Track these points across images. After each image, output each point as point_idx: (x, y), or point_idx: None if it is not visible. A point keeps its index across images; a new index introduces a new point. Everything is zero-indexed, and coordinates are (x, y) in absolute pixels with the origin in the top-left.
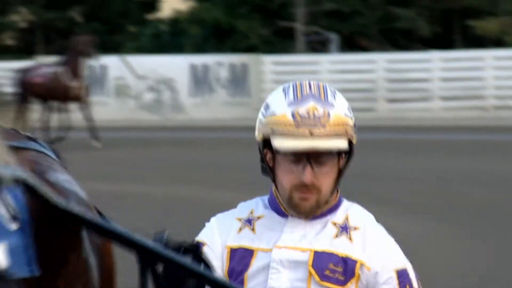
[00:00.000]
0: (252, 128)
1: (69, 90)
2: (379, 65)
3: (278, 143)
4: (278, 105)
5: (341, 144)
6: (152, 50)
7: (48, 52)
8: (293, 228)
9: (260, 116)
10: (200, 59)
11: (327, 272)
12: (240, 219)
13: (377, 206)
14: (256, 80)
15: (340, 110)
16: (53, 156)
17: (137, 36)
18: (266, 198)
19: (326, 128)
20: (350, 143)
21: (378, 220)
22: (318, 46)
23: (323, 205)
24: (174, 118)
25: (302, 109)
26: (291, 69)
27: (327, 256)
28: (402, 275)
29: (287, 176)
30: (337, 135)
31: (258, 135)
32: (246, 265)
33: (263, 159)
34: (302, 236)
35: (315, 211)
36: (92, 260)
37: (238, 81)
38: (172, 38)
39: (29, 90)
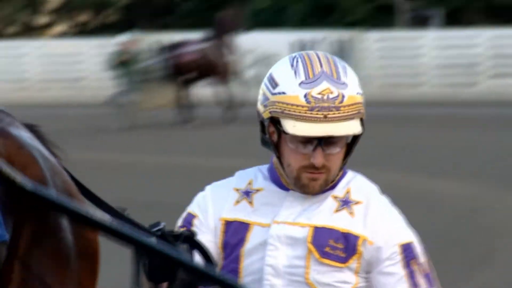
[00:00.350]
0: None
1: (219, 66)
2: (482, 40)
3: (290, 127)
4: (288, 83)
5: (356, 128)
6: (253, 26)
7: (150, 28)
8: (293, 203)
9: (265, 89)
10: (302, 35)
11: (327, 249)
12: (237, 190)
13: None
14: (358, 56)
15: (352, 89)
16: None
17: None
18: (265, 168)
19: (340, 110)
20: (361, 119)
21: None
22: (420, 22)
23: (331, 182)
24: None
25: (316, 91)
26: (394, 45)
27: (327, 232)
28: (406, 250)
29: (295, 156)
30: (351, 116)
31: (263, 111)
32: (242, 240)
33: (264, 131)
34: (302, 211)
35: (323, 189)
36: (65, 222)
37: (341, 57)
38: (273, 14)
39: (179, 67)
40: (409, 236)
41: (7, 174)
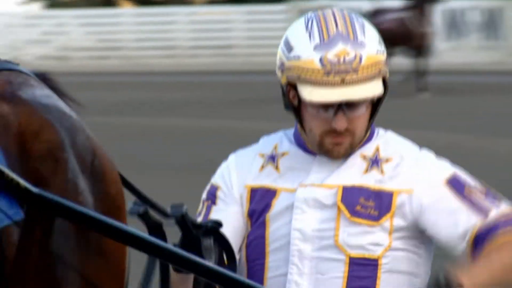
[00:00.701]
0: (507, 73)
1: (416, 36)
2: None
3: (307, 93)
4: (303, 47)
5: (377, 89)
6: None
7: None
8: (321, 167)
9: (281, 54)
10: (452, 4)
11: (358, 208)
12: (263, 155)
13: None
14: (509, 25)
15: (371, 48)
16: (30, 73)
17: None
18: (291, 132)
19: (359, 73)
20: (383, 79)
21: None
22: None
23: (357, 145)
24: (428, 63)
25: (331, 54)
26: None
27: (357, 191)
28: (454, 182)
29: (316, 121)
30: (370, 78)
31: (280, 76)
32: (268, 206)
33: (285, 94)
34: (329, 173)
35: (348, 153)
36: (83, 184)
37: (492, 26)
38: None
39: None
40: (449, 168)
41: (10, 177)
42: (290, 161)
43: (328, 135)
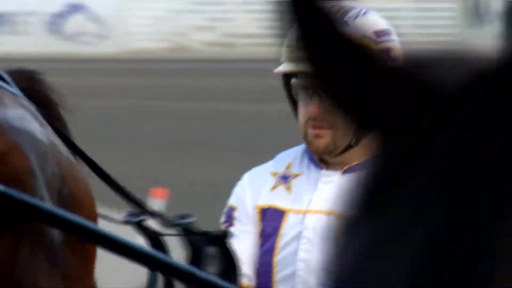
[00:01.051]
0: None
1: None
2: None
3: (278, 68)
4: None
5: None
6: None
7: None
8: (327, 184)
9: None
10: None
11: None
12: (274, 175)
13: None
14: None
15: (358, 30)
16: (10, 89)
17: None
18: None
19: None
20: None
21: None
22: None
23: (342, 145)
24: None
25: None
26: None
27: None
28: None
29: (302, 110)
30: None
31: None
32: (277, 228)
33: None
34: (337, 195)
35: (333, 151)
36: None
37: None
38: None
39: None
40: None
41: None
42: (302, 181)
43: (309, 124)
